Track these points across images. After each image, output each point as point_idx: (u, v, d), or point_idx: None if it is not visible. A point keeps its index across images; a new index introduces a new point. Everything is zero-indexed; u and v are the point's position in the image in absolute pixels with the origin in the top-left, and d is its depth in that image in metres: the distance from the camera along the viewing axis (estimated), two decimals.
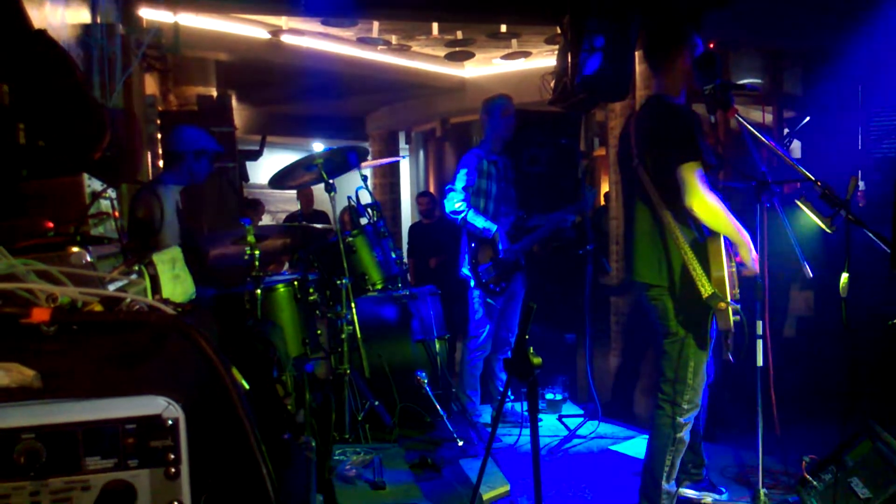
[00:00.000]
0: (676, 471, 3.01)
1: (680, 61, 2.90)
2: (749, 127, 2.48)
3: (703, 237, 2.79)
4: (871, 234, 2.27)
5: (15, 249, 1.31)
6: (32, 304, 1.15)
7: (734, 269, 2.80)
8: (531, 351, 2.03)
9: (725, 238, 2.76)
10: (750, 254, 2.75)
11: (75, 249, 1.34)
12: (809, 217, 2.53)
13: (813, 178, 2.34)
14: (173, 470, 0.87)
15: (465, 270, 4.29)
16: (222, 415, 0.98)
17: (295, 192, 8.07)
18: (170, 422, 0.87)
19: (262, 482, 0.95)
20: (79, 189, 1.58)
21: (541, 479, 2.10)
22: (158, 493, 0.87)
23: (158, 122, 5.18)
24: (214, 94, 6.41)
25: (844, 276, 2.34)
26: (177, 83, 6.76)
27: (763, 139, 2.45)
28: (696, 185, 2.65)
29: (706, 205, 2.65)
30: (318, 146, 10.72)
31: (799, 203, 2.54)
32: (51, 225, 1.42)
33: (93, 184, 1.69)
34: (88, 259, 1.36)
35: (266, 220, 8.98)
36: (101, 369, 0.94)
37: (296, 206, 8.30)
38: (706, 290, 2.70)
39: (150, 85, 5.62)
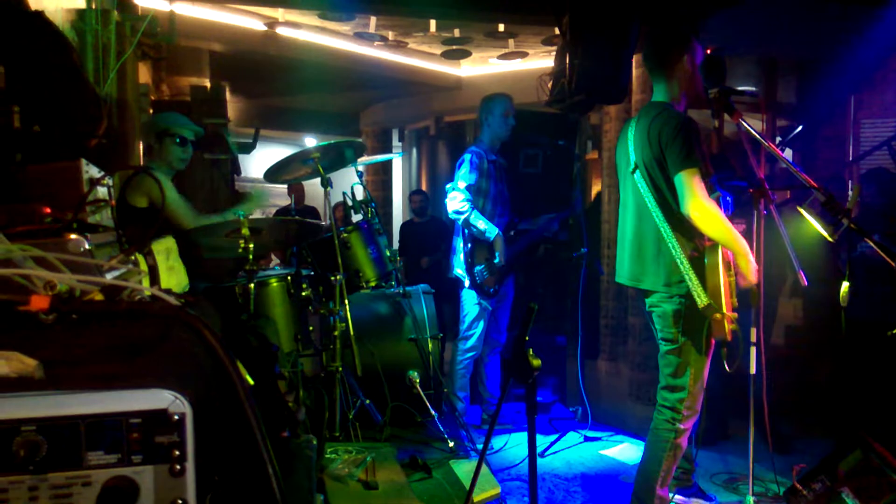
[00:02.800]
0: (671, 477, 3.01)
1: (681, 66, 2.89)
2: (753, 132, 2.47)
3: (700, 246, 2.78)
4: (872, 244, 2.26)
5: (11, 234, 1.27)
6: (30, 291, 1.11)
7: (733, 279, 2.79)
8: (531, 352, 2.01)
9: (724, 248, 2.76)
10: (749, 265, 2.74)
11: (73, 236, 1.30)
12: (811, 225, 2.53)
13: (816, 186, 2.33)
14: (178, 467, 0.84)
15: (458, 271, 4.27)
16: (228, 411, 0.95)
17: (285, 186, 8.02)
18: (176, 416, 0.84)
19: (268, 481, 0.92)
20: (77, 175, 1.54)
21: (537, 479, 2.07)
22: (162, 490, 0.84)
23: (151, 111, 5.11)
24: (207, 84, 6.33)
25: (845, 285, 2.34)
26: (169, 72, 6.68)
27: (769, 145, 2.44)
28: (696, 192, 2.65)
29: (705, 212, 2.65)
30: (311, 141, 10.63)
31: (801, 210, 2.53)
32: (48, 211, 1.38)
33: (90, 170, 1.64)
34: (87, 247, 1.32)
35: (256, 213, 8.89)
36: (104, 360, 0.91)
37: (286, 201, 8.24)
38: (702, 300, 2.70)
39: (143, 73, 5.55)
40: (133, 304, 1.03)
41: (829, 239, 2.40)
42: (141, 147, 4.78)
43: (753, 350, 2.94)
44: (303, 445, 1.27)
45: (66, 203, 1.55)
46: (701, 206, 2.64)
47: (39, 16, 1.99)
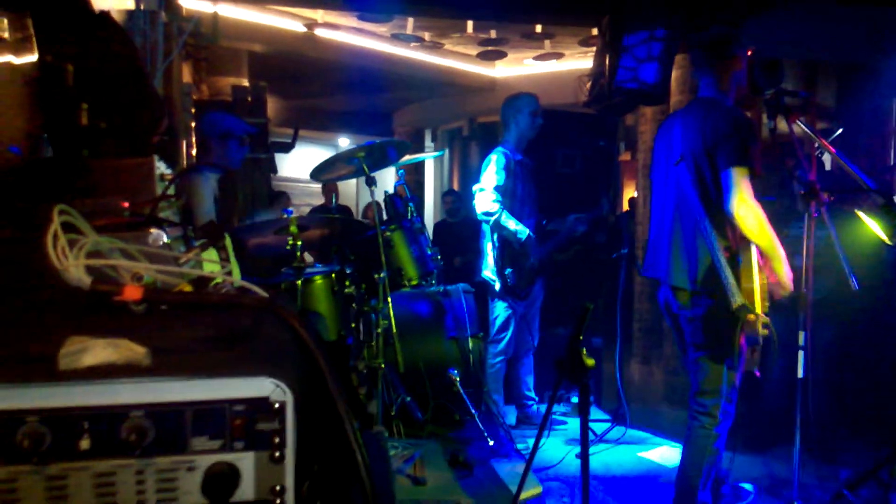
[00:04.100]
0: (711, 480, 2.98)
1: (734, 65, 2.85)
2: (812, 134, 2.45)
3: (736, 245, 2.73)
4: None
5: (94, 227, 1.31)
6: (117, 282, 1.14)
7: (765, 282, 2.74)
8: (584, 352, 2.01)
9: (757, 250, 2.71)
10: (785, 271, 2.69)
11: (153, 230, 1.34)
12: (868, 228, 2.49)
13: (874, 189, 2.30)
14: (278, 454, 0.86)
15: (487, 273, 4.23)
16: (319, 401, 0.97)
17: (319, 185, 8.09)
18: (277, 404, 0.86)
19: (359, 470, 0.94)
20: (150, 171, 1.58)
21: (589, 480, 2.07)
22: (262, 476, 0.86)
23: (193, 110, 5.20)
24: (246, 84, 6.43)
25: None
26: (209, 72, 6.78)
27: (829, 148, 2.41)
28: (743, 191, 2.61)
29: (750, 212, 2.61)
30: (344, 141, 10.71)
31: (859, 213, 2.49)
32: (127, 205, 1.42)
33: (160, 167, 1.69)
34: (165, 240, 1.35)
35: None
36: (204, 349, 0.94)
37: (319, 200, 8.32)
38: (736, 300, 2.65)
39: (185, 73, 5.64)
40: (225, 297, 1.06)
41: (888, 242, 2.36)
42: (185, 146, 4.87)
43: (801, 354, 2.90)
44: (376, 437, 1.30)
45: (137, 198, 1.59)
46: (747, 206, 2.60)
47: (106, 17, 2.04)
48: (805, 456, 3.15)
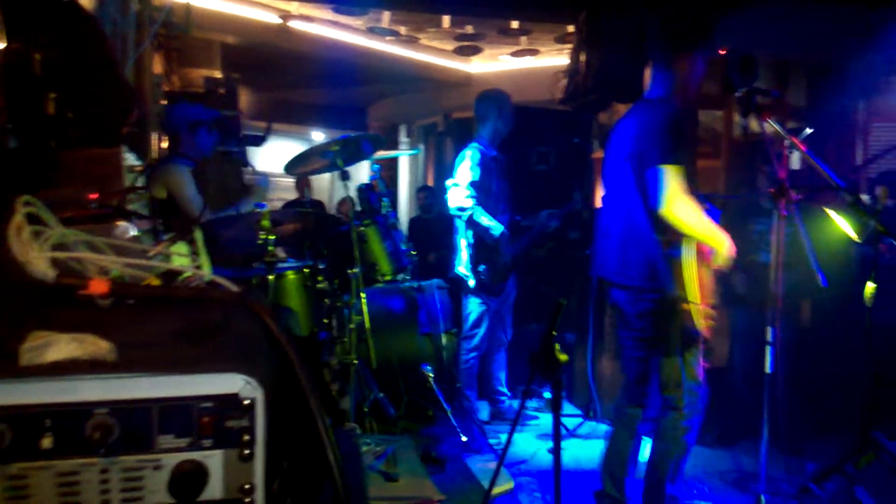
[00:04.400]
0: (679, 474, 3.01)
1: (690, 64, 2.85)
2: (783, 132, 2.48)
3: (673, 239, 2.73)
4: None
5: (60, 220, 1.28)
6: (83, 275, 1.11)
7: (707, 274, 2.76)
8: (557, 347, 2.02)
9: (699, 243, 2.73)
10: (727, 250, 2.70)
11: (121, 223, 1.31)
12: (836, 225, 2.53)
13: (843, 187, 2.34)
14: (248, 452, 0.85)
15: (461, 269, 4.22)
16: (290, 398, 0.95)
17: (292, 179, 8.01)
18: (247, 401, 0.85)
19: (330, 468, 0.93)
20: (117, 162, 1.55)
21: (561, 473, 2.08)
22: (231, 475, 0.85)
23: (163, 101, 5.11)
24: (219, 76, 6.33)
25: (870, 286, 2.35)
26: (181, 64, 6.67)
27: (801, 147, 2.44)
28: (675, 189, 2.61)
29: (684, 208, 2.61)
30: (318, 135, 10.62)
31: (828, 211, 2.53)
32: (94, 197, 1.39)
33: (128, 158, 1.65)
34: (134, 233, 1.33)
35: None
36: (172, 344, 0.92)
37: (293, 195, 8.24)
38: (680, 294, 2.68)
39: (156, 64, 5.54)
40: (194, 290, 1.04)
41: (857, 240, 2.40)
42: (155, 137, 4.79)
43: (769, 349, 2.94)
44: (349, 434, 1.29)
45: (104, 189, 1.55)
46: (678, 205, 2.60)
47: (74, 4, 1.99)
48: (772, 449, 3.19)
